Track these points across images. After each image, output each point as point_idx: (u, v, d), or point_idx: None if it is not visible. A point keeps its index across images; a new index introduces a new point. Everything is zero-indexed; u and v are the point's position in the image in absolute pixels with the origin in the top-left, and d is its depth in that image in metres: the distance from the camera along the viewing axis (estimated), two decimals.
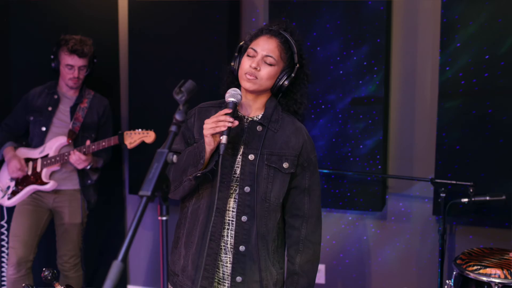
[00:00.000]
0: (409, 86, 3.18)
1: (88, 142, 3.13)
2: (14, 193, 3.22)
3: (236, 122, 1.86)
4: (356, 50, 3.12)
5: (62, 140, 3.22)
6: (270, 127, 1.95)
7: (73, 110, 3.29)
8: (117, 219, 3.87)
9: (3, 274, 3.52)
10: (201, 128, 1.91)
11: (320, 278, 3.34)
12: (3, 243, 3.33)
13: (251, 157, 1.92)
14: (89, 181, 3.29)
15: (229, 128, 1.83)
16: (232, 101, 1.88)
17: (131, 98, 3.60)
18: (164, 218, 1.37)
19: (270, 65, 1.91)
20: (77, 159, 3.10)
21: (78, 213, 3.27)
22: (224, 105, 1.92)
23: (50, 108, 3.27)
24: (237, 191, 1.93)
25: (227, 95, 1.90)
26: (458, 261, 2.62)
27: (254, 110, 1.99)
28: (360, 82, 3.12)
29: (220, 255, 1.94)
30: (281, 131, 1.96)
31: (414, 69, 3.16)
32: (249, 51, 1.93)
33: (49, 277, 2.03)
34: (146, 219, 3.76)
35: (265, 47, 1.91)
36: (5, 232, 3.29)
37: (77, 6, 3.61)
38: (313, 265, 2.03)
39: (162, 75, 3.47)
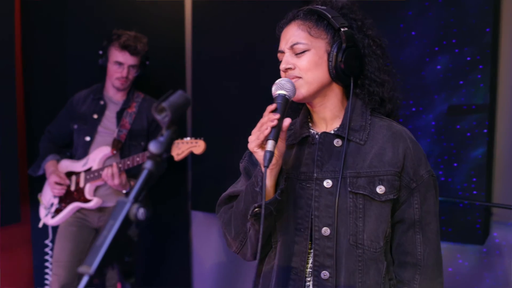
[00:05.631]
0: None
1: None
2: (57, 211, 2.91)
3: (288, 120, 1.33)
4: (459, 39, 2.47)
5: (105, 151, 2.85)
6: (353, 137, 1.41)
7: (119, 116, 2.91)
8: (180, 237, 3.52)
9: None
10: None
11: None
12: (47, 264, 3.06)
13: (327, 183, 1.41)
14: None
15: (276, 129, 1.30)
16: (280, 94, 1.36)
17: (194, 104, 3.27)
18: None
19: (303, 52, 1.42)
20: (110, 175, 2.72)
21: None
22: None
23: (95, 116, 2.91)
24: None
25: (273, 87, 1.38)
26: None
27: (330, 120, 1.46)
28: (461, 82, 2.49)
29: None
30: (371, 141, 1.42)
31: None
32: (278, 56, 1.48)
33: None
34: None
35: (286, 40, 1.45)
36: (50, 252, 3.02)
37: (140, 5, 3.24)
38: None
39: (227, 78, 3.16)
